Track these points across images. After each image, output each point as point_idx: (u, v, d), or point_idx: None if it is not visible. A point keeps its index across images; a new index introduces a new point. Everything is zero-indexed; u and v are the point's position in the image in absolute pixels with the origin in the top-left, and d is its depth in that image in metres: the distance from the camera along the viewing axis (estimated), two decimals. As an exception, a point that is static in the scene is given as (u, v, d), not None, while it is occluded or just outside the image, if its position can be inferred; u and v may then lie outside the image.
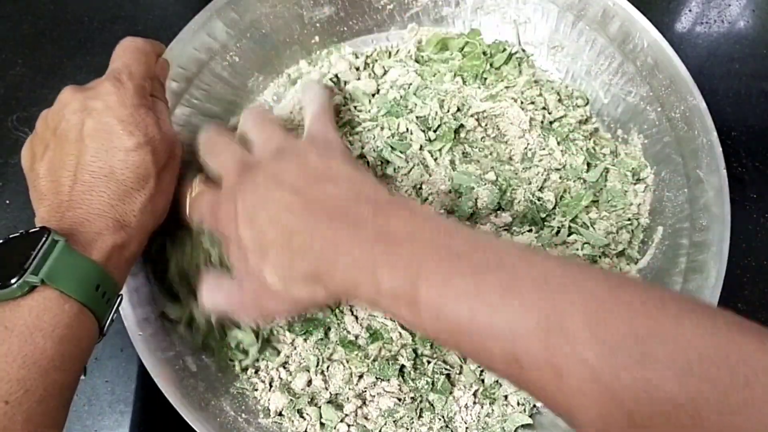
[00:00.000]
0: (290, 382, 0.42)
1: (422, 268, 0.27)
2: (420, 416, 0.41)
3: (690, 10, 0.62)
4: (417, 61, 0.51)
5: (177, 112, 0.46)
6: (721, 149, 0.43)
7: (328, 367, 0.42)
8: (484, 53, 0.50)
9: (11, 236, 0.30)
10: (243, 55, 0.50)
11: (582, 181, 0.47)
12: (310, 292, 0.32)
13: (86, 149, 0.33)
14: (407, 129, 0.46)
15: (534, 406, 0.43)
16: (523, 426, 0.42)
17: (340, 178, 0.33)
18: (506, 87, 0.49)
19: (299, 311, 0.40)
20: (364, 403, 0.42)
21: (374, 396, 0.42)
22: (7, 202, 0.52)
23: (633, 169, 0.48)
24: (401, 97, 0.48)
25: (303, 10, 0.51)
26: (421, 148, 0.45)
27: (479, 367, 0.42)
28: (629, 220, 0.47)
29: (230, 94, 0.51)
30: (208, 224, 0.37)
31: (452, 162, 0.45)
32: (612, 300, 0.24)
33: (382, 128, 0.47)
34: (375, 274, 0.28)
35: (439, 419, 0.41)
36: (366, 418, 0.42)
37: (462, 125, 0.47)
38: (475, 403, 0.42)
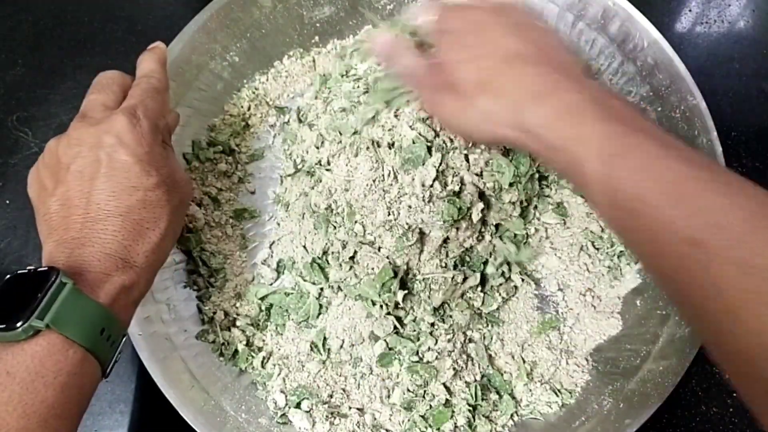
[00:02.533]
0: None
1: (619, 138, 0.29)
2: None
3: (690, 10, 0.62)
4: None
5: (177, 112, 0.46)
6: (721, 149, 0.43)
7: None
8: None
9: (19, 272, 0.29)
10: (243, 55, 0.50)
11: None
12: (504, 118, 0.33)
13: (101, 187, 0.32)
14: None
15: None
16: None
17: (545, 34, 0.36)
18: None
19: (467, 135, 0.40)
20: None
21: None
22: (7, 202, 0.52)
23: None
24: None
25: (303, 10, 0.51)
26: None
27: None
28: None
29: (230, 95, 0.51)
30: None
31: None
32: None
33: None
34: (583, 120, 0.30)
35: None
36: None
37: None
38: None
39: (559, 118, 0.31)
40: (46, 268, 0.29)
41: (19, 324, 0.27)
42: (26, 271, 0.29)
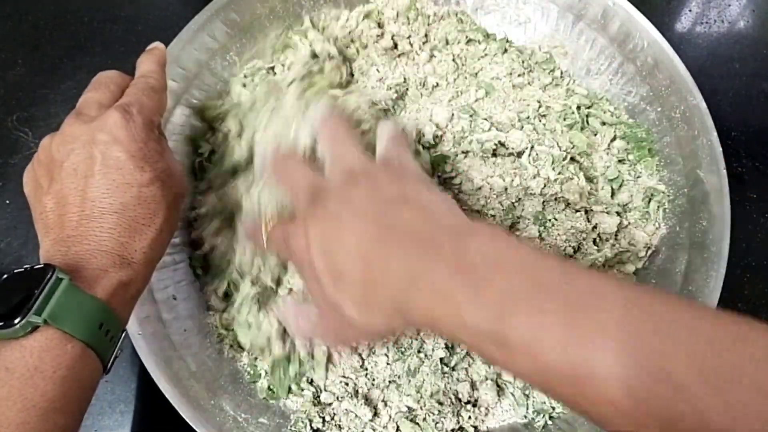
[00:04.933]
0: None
1: (510, 303, 0.25)
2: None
3: (690, 10, 0.62)
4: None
5: (177, 112, 0.46)
6: (721, 149, 0.43)
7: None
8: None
9: (16, 271, 0.29)
10: (243, 55, 0.50)
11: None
12: (388, 322, 0.30)
13: (96, 184, 0.32)
14: None
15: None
16: None
17: (415, 202, 0.31)
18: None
19: (378, 339, 0.40)
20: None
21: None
22: (7, 202, 0.52)
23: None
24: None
25: (303, 10, 0.51)
26: None
27: None
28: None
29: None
30: (284, 255, 0.38)
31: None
32: (722, 341, 0.22)
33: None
34: (458, 308, 0.26)
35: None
36: None
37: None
38: None
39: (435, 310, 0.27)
40: (42, 266, 0.29)
41: (17, 320, 0.27)
42: (23, 269, 0.29)
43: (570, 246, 0.45)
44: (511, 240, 0.29)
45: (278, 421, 0.42)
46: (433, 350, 0.43)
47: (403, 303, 0.29)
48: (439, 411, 0.41)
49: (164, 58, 0.40)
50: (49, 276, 0.28)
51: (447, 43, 0.51)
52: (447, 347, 0.43)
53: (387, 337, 0.39)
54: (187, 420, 0.38)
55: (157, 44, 0.40)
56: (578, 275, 0.26)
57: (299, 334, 0.39)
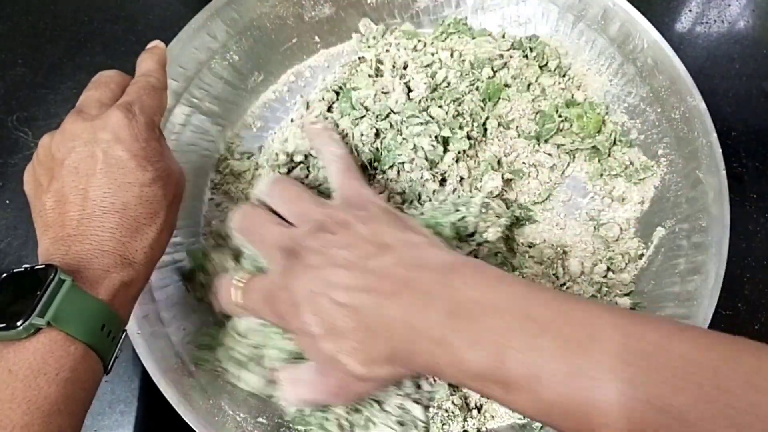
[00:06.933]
0: None
1: (507, 345, 0.26)
2: None
3: (690, 10, 0.62)
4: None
5: (177, 112, 0.46)
6: (720, 150, 0.43)
7: None
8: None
9: (15, 271, 0.29)
10: (243, 54, 0.50)
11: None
12: (392, 371, 0.31)
13: (97, 183, 0.32)
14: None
15: None
16: None
17: (391, 243, 0.32)
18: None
19: (386, 386, 0.38)
20: None
21: None
22: (7, 201, 0.52)
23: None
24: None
25: (303, 9, 0.51)
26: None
27: None
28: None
29: (230, 94, 0.51)
30: (267, 317, 0.36)
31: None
32: (718, 368, 0.22)
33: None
34: (457, 354, 0.27)
35: None
36: None
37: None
38: None
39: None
40: (43, 266, 0.28)
41: (19, 323, 0.27)
42: (23, 269, 0.29)
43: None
44: (497, 274, 0.29)
45: (277, 421, 0.42)
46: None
47: (403, 352, 0.29)
48: (449, 416, 0.41)
49: (164, 57, 0.40)
50: (51, 277, 0.28)
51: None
52: None
53: (394, 382, 0.37)
54: (186, 420, 0.38)
55: (157, 43, 0.40)
56: (572, 307, 0.26)
57: (296, 401, 0.36)
